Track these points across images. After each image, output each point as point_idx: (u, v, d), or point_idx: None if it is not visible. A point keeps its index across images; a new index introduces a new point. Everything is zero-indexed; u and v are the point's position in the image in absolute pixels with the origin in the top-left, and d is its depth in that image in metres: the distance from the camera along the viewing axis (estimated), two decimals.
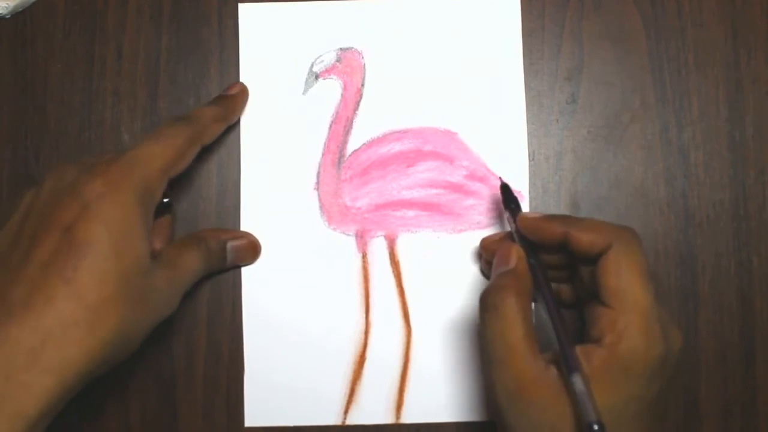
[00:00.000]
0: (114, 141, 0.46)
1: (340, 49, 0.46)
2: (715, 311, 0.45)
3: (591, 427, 0.31)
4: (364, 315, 0.45)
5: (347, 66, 0.46)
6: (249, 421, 0.44)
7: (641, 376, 0.33)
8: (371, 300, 0.45)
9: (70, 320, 0.32)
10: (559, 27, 0.46)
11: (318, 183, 0.45)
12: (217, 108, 0.42)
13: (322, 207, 0.45)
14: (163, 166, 0.36)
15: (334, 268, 0.45)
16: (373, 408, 0.44)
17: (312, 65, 0.46)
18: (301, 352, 0.45)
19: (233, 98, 0.44)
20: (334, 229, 0.45)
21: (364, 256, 0.45)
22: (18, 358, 0.31)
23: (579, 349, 0.34)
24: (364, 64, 0.46)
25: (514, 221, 0.40)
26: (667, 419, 0.36)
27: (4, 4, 0.46)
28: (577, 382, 0.33)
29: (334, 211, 0.45)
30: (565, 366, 0.33)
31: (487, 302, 0.36)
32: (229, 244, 0.43)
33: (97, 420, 0.44)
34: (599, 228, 0.36)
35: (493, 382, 0.35)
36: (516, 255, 0.37)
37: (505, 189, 0.42)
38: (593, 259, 0.36)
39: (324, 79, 0.46)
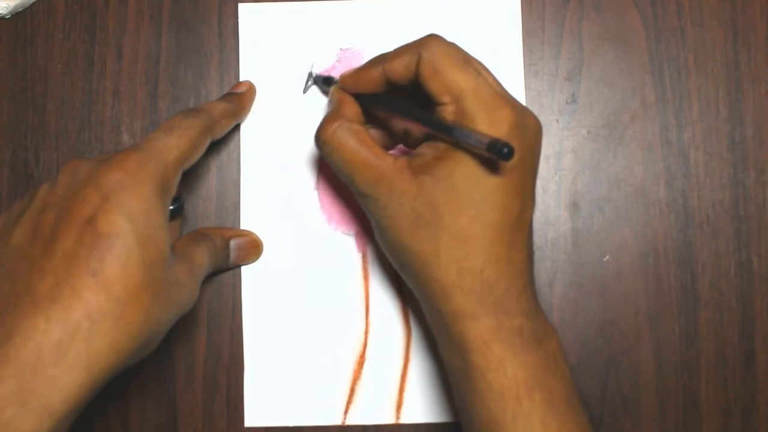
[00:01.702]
0: (114, 141, 0.46)
1: (340, 49, 0.46)
2: (715, 311, 0.45)
3: (494, 147, 0.32)
4: (364, 315, 0.45)
5: (347, 66, 0.46)
6: (249, 421, 0.44)
7: None
8: (371, 300, 0.45)
9: (98, 313, 0.31)
10: (559, 27, 0.46)
11: (318, 183, 0.45)
12: (227, 104, 0.42)
13: (322, 207, 0.45)
14: (178, 158, 0.36)
15: (334, 268, 0.45)
16: (373, 408, 0.44)
17: (312, 65, 0.46)
18: (301, 352, 0.45)
19: (242, 96, 0.44)
20: (334, 229, 0.45)
21: (364, 256, 0.45)
22: (45, 352, 0.31)
23: (430, 143, 0.37)
24: None
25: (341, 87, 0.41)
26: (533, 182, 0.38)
27: (4, 4, 0.46)
28: (458, 130, 0.34)
29: (333, 211, 0.45)
30: (442, 131, 0.35)
31: (319, 140, 0.39)
32: (233, 242, 0.43)
33: (97, 420, 0.44)
34: (403, 49, 0.37)
35: (357, 194, 0.38)
36: (333, 92, 0.41)
37: (319, 79, 0.45)
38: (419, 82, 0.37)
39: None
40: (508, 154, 0.32)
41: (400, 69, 0.37)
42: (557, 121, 0.46)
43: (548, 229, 0.45)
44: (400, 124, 0.40)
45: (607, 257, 0.45)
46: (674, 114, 0.45)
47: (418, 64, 0.36)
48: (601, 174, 0.45)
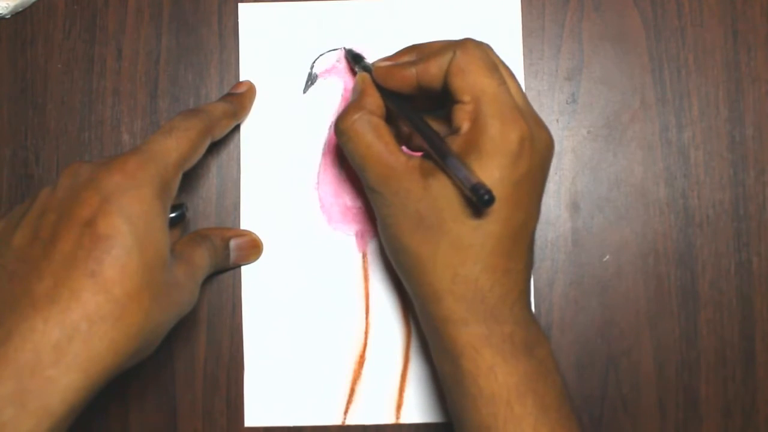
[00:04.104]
0: (114, 141, 0.46)
1: (340, 49, 0.46)
2: (715, 311, 0.45)
3: (477, 190, 0.32)
4: (364, 315, 0.45)
5: (347, 66, 0.46)
6: (249, 421, 0.44)
7: (500, 157, 0.34)
8: (371, 300, 0.45)
9: (97, 315, 0.31)
10: (559, 27, 0.46)
11: (318, 183, 0.45)
12: (227, 104, 0.42)
13: (322, 207, 0.45)
14: (178, 160, 0.36)
15: (334, 268, 0.45)
16: (373, 408, 0.44)
17: (312, 65, 0.46)
18: (301, 352, 0.45)
19: (241, 96, 0.44)
20: (334, 229, 0.45)
21: (364, 256, 0.45)
22: (44, 353, 0.31)
23: None
24: None
25: (372, 76, 0.40)
26: (538, 201, 0.38)
27: (4, 4, 0.46)
28: (451, 159, 0.34)
29: (334, 211, 0.45)
30: (438, 154, 0.35)
31: (338, 129, 0.38)
32: (233, 242, 0.43)
33: (97, 420, 0.44)
34: (440, 49, 0.37)
35: (366, 188, 0.38)
36: (359, 80, 0.40)
37: (350, 54, 0.44)
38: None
39: (324, 79, 0.46)
40: (488, 202, 0.32)
41: (434, 70, 0.37)
42: (557, 121, 0.46)
43: (548, 229, 0.45)
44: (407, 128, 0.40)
45: (607, 257, 0.45)
46: (674, 114, 0.45)
47: (450, 63, 0.36)
48: (601, 174, 0.45)
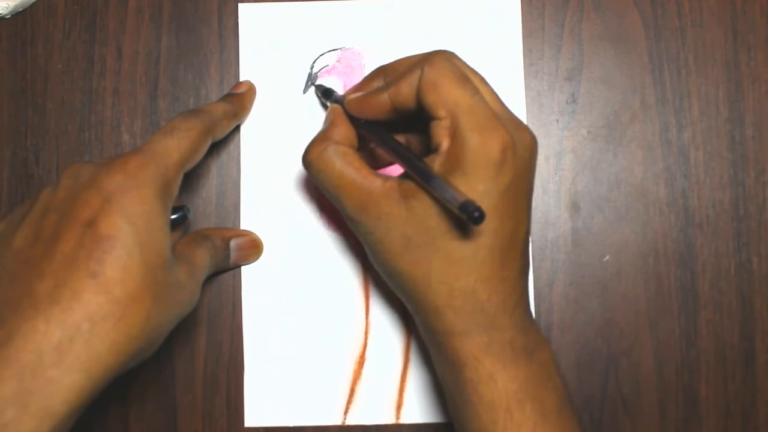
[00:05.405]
0: (114, 141, 0.46)
1: (340, 49, 0.46)
2: (715, 311, 0.45)
3: (466, 209, 0.32)
4: (364, 315, 0.45)
5: (347, 66, 0.46)
6: (249, 421, 0.44)
7: (483, 169, 0.34)
8: (371, 300, 0.45)
9: (98, 315, 0.31)
10: (559, 27, 0.46)
11: None
12: (227, 105, 0.42)
13: (322, 207, 0.45)
14: (179, 160, 0.36)
15: (334, 268, 0.45)
16: (373, 408, 0.44)
17: (312, 65, 0.46)
18: (301, 352, 0.45)
19: (242, 96, 0.44)
20: (334, 230, 0.45)
21: (364, 256, 0.45)
22: (45, 353, 0.31)
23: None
24: (364, 65, 0.46)
25: (344, 108, 0.40)
26: (528, 207, 0.37)
27: (4, 4, 0.46)
28: (436, 181, 0.34)
29: (334, 212, 0.45)
30: (421, 177, 0.34)
31: (306, 162, 0.38)
32: (233, 242, 0.43)
33: (97, 420, 0.44)
34: (407, 67, 0.37)
35: (346, 219, 0.38)
36: (330, 112, 0.40)
37: (320, 89, 0.44)
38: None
39: (324, 79, 0.46)
40: (479, 219, 0.31)
41: (406, 90, 0.36)
42: (557, 121, 0.46)
43: (548, 229, 0.45)
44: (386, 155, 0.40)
45: (607, 257, 0.45)
46: (674, 114, 0.45)
47: (419, 79, 0.36)
48: (601, 174, 0.45)
